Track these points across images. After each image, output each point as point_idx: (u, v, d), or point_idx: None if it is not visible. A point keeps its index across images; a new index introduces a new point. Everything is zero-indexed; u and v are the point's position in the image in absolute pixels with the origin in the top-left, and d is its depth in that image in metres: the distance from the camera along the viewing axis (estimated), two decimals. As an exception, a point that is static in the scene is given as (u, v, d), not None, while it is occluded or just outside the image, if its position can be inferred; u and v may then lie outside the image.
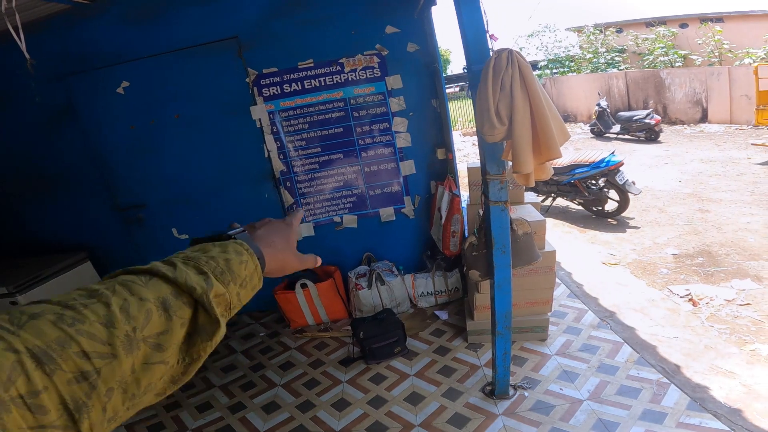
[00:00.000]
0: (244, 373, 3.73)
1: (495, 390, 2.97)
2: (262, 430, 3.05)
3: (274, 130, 3.97)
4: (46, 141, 4.02)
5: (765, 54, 12.03)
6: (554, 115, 1.95)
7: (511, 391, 2.98)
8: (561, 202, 7.51)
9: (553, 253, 3.34)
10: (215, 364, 3.92)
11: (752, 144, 9.27)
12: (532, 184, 2.16)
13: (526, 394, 2.97)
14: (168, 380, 0.53)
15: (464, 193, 4.34)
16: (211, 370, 3.84)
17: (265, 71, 3.81)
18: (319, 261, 0.88)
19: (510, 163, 2.06)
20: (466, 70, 2.30)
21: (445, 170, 4.08)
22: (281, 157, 4.05)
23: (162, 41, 3.72)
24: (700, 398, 2.72)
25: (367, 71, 3.83)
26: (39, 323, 0.43)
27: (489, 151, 2.22)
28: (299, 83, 3.86)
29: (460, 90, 25.05)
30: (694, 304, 3.94)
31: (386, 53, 3.78)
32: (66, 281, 3.97)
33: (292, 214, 0.85)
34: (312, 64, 3.81)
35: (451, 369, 3.36)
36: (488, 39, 2.22)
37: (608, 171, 6.13)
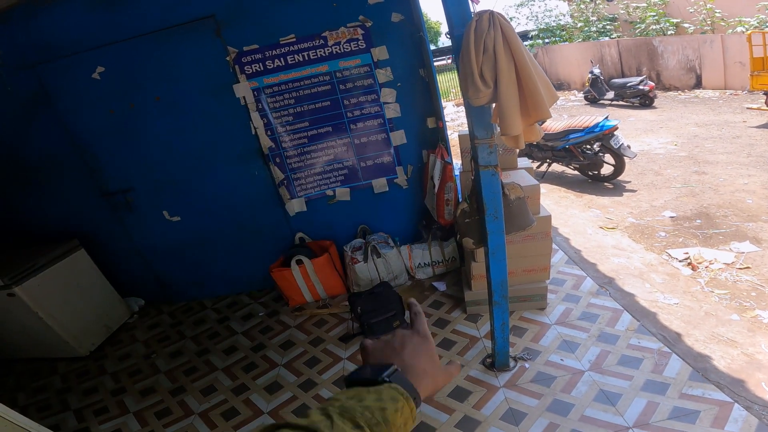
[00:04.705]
0: (246, 355, 3.73)
1: (495, 362, 2.96)
2: (266, 410, 3.06)
3: (260, 107, 3.88)
4: (24, 131, 3.94)
5: (758, 22, 11.91)
6: (540, 76, 1.88)
7: (512, 363, 2.98)
8: (556, 167, 7.51)
9: (548, 218, 3.28)
10: (217, 347, 3.91)
11: (748, 108, 9.24)
12: (522, 147, 2.10)
13: (527, 365, 2.97)
14: None
15: (457, 162, 4.28)
16: (213, 353, 3.84)
17: (246, 49, 3.70)
18: (460, 367, 0.84)
19: (498, 127, 2.00)
20: (448, 36, 2.21)
21: (437, 139, 4.03)
22: (269, 133, 3.97)
23: (136, 25, 3.59)
24: (702, 368, 2.71)
25: (352, 43, 3.73)
26: None
27: (476, 115, 2.15)
28: (282, 59, 3.75)
29: (452, 62, 24.83)
30: (694, 268, 3.93)
31: (370, 24, 3.67)
32: (62, 270, 3.95)
33: (418, 321, 0.80)
34: (294, 39, 3.69)
35: (451, 342, 3.36)
36: (469, 2, 2.13)
37: (603, 135, 6.10)
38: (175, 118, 3.89)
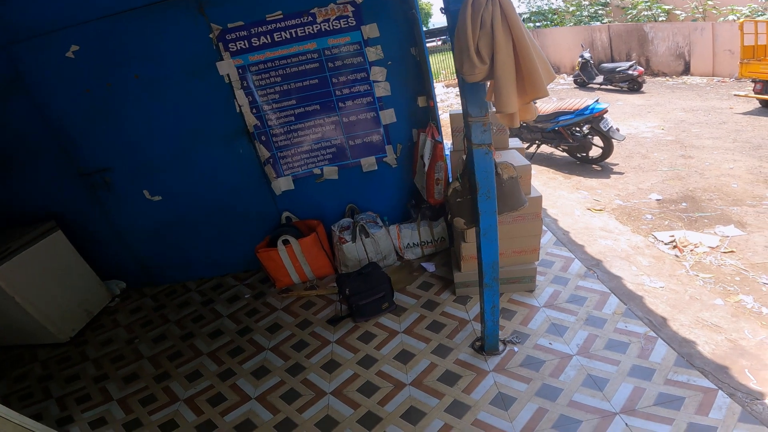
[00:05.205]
0: (232, 338, 3.67)
1: (484, 345, 2.95)
2: (253, 396, 3.01)
3: (245, 84, 3.77)
4: None
5: (750, 11, 11.98)
6: (538, 55, 1.82)
7: (501, 347, 2.97)
8: (545, 149, 7.57)
9: (539, 198, 3.25)
10: (202, 330, 3.84)
11: (735, 95, 9.32)
12: (517, 125, 2.06)
13: (516, 349, 2.96)
14: None
15: (447, 142, 4.23)
16: (198, 337, 3.77)
17: (230, 26, 3.57)
18: None
19: (493, 105, 1.95)
20: (442, 11, 2.13)
21: (427, 118, 3.97)
22: (254, 111, 3.87)
23: (112, 3, 3.44)
24: (687, 354, 2.73)
25: (341, 21, 3.62)
26: None
27: (471, 92, 2.10)
28: (268, 36, 3.63)
29: (442, 44, 24.95)
30: (680, 251, 3.95)
31: (361, 1, 3.56)
32: (38, 252, 3.83)
33: None
34: (281, 16, 3.57)
35: (440, 324, 3.34)
36: None
37: (592, 118, 6.15)
38: (155, 97, 3.76)
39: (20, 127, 3.84)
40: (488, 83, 2.03)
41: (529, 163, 3.23)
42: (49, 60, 3.59)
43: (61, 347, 3.96)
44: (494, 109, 1.93)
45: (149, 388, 3.28)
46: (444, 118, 6.73)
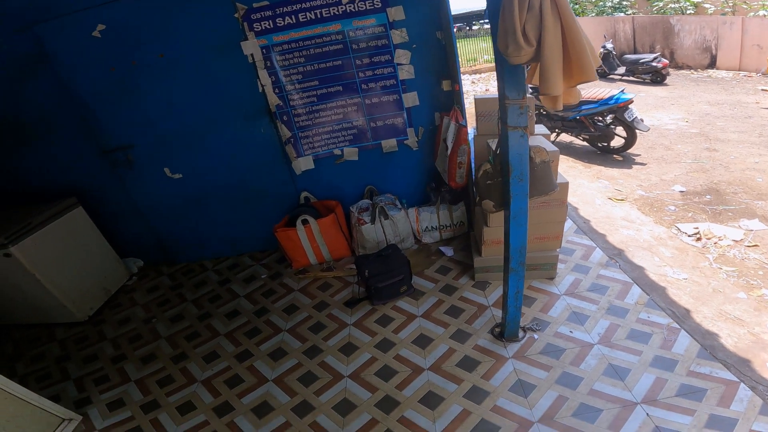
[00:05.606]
0: (249, 319, 3.67)
1: (504, 332, 2.92)
2: (270, 378, 3.02)
3: (268, 64, 3.74)
4: (21, 90, 3.78)
5: None
6: (586, 39, 1.78)
7: (521, 333, 2.94)
8: (564, 137, 7.48)
9: (566, 184, 3.19)
10: (219, 310, 3.85)
11: (762, 89, 9.15)
12: (560, 108, 2.02)
13: (536, 336, 2.94)
14: None
15: (470, 127, 4.18)
16: (215, 317, 3.77)
17: (255, 5, 3.53)
18: None
19: (529, 88, 1.91)
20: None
21: (451, 102, 3.91)
22: (276, 91, 3.84)
23: None
24: (710, 346, 2.69)
25: (367, 2, 3.57)
26: None
27: (510, 75, 2.06)
28: (293, 16, 3.59)
29: (458, 30, 24.61)
30: (703, 244, 3.88)
31: (387, -17, 3.52)
32: (59, 228, 3.83)
33: None
34: (307, -3, 3.54)
35: (459, 309, 3.32)
36: None
37: (617, 108, 6.08)
38: (179, 76, 3.74)
39: (44, 104, 3.84)
40: (529, 66, 1.99)
41: (557, 149, 3.18)
42: (75, 39, 3.57)
43: (78, 326, 3.97)
44: (530, 93, 1.89)
45: (167, 369, 3.29)
46: (467, 102, 6.66)
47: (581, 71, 1.77)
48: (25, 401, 2.53)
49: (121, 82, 3.74)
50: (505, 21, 1.78)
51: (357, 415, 2.61)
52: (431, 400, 2.61)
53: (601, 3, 18.43)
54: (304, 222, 3.95)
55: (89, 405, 3.06)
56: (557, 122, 6.87)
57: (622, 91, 6.16)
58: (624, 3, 17.84)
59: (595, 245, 3.86)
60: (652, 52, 13.23)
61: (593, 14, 18.25)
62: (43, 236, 3.67)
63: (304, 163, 4.15)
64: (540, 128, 3.76)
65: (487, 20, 25.17)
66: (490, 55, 18.13)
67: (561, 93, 1.84)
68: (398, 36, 3.67)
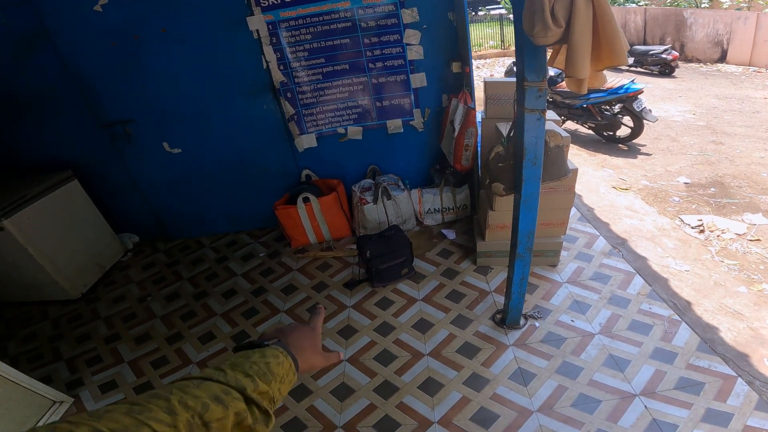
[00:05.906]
0: (246, 299, 3.61)
1: (506, 318, 2.90)
2: (267, 360, 2.98)
3: (274, 41, 3.64)
4: (20, 64, 3.67)
5: None
6: (617, 22, 1.72)
7: (522, 321, 2.92)
8: (569, 125, 7.41)
9: (575, 171, 3.15)
10: (215, 289, 3.79)
11: (771, 85, 9.09)
12: (585, 92, 1.95)
13: (537, 324, 2.91)
14: None
15: (479, 110, 4.13)
16: (211, 296, 3.72)
17: (262, -20, 3.44)
18: (342, 356, 0.88)
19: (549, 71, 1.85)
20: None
21: (460, 84, 3.82)
22: (281, 68, 3.75)
23: None
24: (709, 339, 2.68)
25: (378, -20, 3.47)
26: (114, 414, 0.52)
27: (530, 57, 1.99)
28: (301, -8, 3.51)
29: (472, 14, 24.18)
30: (706, 236, 3.86)
31: (399, -39, 3.41)
32: (53, 201, 3.74)
33: (314, 318, 0.97)
34: (316, -28, 3.43)
35: (460, 294, 3.29)
36: None
37: (626, 98, 6.05)
38: (181, 51, 3.64)
39: (43, 78, 3.73)
40: (551, 48, 1.92)
41: (568, 134, 3.12)
42: (76, 13, 3.46)
43: (72, 304, 3.90)
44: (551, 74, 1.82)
45: (161, 349, 3.23)
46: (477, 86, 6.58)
47: (612, 54, 1.71)
48: (15, 383, 2.47)
49: (122, 56, 3.64)
50: (533, 1, 1.71)
51: (355, 400, 2.59)
52: (430, 387, 2.59)
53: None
54: (305, 200, 3.89)
55: (81, 387, 3.00)
56: (563, 109, 6.82)
57: (633, 80, 6.11)
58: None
59: (598, 233, 3.82)
60: (662, 44, 13.21)
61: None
62: (37, 210, 3.58)
63: (306, 141, 4.08)
64: (551, 114, 3.71)
65: (493, 6, 24.85)
66: (495, 41, 17.92)
67: (587, 76, 1.78)
68: (409, 15, 3.57)
